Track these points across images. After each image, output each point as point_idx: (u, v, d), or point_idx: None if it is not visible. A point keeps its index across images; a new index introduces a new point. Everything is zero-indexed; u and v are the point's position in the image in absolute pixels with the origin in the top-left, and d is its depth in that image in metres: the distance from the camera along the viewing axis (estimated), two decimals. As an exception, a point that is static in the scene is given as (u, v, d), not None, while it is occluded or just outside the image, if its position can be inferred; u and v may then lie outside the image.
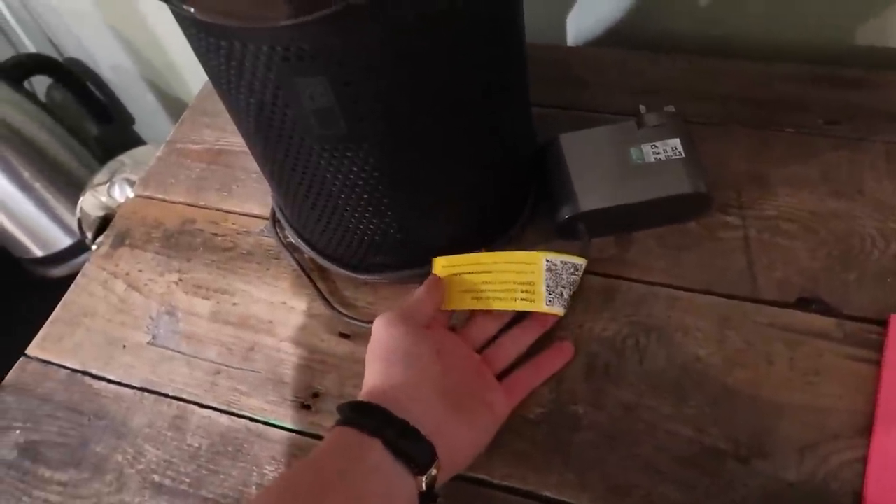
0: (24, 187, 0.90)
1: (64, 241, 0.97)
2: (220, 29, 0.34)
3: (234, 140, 0.64)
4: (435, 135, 0.41)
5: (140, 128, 1.14)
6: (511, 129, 0.48)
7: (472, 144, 0.44)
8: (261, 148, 0.45)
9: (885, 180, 0.52)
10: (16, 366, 0.54)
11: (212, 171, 0.63)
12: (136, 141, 1.15)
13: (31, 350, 0.55)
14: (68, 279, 0.59)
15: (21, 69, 0.92)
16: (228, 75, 0.38)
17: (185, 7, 0.33)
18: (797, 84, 0.59)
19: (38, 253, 0.97)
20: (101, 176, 0.81)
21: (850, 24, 0.60)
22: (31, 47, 0.97)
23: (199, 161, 0.64)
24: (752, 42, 0.63)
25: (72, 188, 0.94)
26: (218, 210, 0.60)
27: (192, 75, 0.97)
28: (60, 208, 0.94)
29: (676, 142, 0.50)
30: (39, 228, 0.94)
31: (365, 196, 0.43)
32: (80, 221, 0.78)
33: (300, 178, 0.44)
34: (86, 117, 1.05)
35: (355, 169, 0.41)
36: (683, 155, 0.49)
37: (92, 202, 0.78)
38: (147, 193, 0.63)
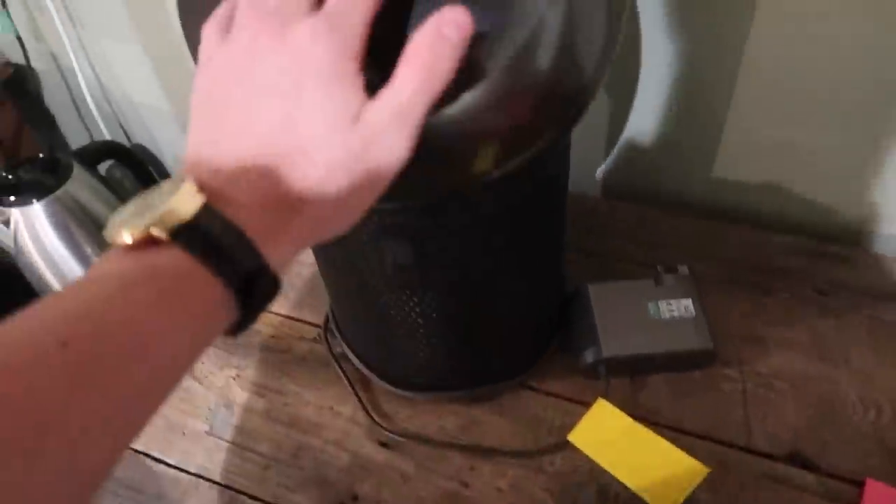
0: (83, 260, 0.97)
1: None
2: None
3: (295, 250, 0.72)
4: (490, 284, 0.49)
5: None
6: (550, 275, 0.56)
7: (518, 290, 0.52)
8: (333, 277, 0.53)
9: (868, 352, 0.59)
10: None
11: (272, 276, 0.71)
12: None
13: (98, 427, 0.61)
14: None
15: (96, 155, 1.01)
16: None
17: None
18: (793, 254, 0.67)
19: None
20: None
21: (841, 207, 0.68)
22: (105, 131, 1.07)
23: (262, 266, 0.72)
24: (756, 211, 0.72)
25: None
26: (276, 314, 0.67)
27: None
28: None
29: (689, 302, 0.58)
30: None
31: (420, 330, 0.51)
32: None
33: (364, 309, 0.52)
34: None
35: (417, 310, 0.49)
36: (694, 314, 0.57)
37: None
38: (212, 291, 0.70)
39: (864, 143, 0.62)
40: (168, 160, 1.13)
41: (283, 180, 0.28)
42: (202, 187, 0.28)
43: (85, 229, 0.96)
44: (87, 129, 1.14)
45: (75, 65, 0.99)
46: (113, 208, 0.99)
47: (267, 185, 0.28)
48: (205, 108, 0.31)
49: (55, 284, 0.98)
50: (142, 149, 1.11)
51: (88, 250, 0.97)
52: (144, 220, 0.26)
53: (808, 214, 0.70)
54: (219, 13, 0.34)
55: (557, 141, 0.44)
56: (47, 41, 1.02)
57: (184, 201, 0.27)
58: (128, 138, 1.12)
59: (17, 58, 1.06)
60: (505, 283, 0.49)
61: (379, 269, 0.46)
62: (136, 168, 1.09)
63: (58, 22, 0.94)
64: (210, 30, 0.33)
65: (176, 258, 0.26)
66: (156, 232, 0.26)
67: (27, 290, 1.02)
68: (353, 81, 0.29)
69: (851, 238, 0.70)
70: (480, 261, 0.46)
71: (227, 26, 0.32)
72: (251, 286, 0.28)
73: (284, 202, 0.29)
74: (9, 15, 0.97)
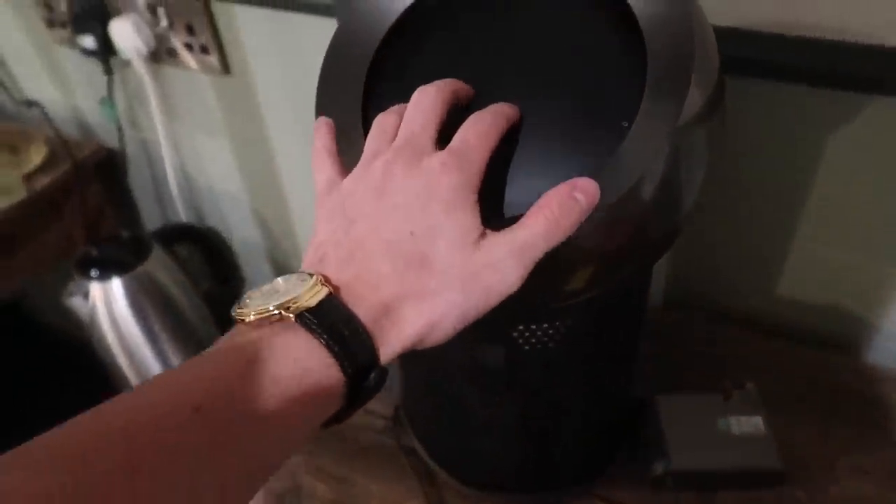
0: (150, 335, 1.01)
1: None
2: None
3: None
4: (571, 389, 0.50)
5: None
6: (623, 383, 0.57)
7: (595, 396, 0.53)
8: (414, 372, 0.55)
9: (941, 484, 0.59)
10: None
11: (342, 365, 0.73)
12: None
13: (168, 505, 0.62)
14: None
15: (173, 235, 1.07)
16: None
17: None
18: (862, 379, 0.67)
19: (140, 394, 1.06)
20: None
21: (907, 333, 0.69)
22: (182, 213, 1.14)
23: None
24: (821, 331, 0.73)
25: (188, 344, 1.05)
26: (345, 403, 0.69)
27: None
28: (173, 359, 1.05)
29: (759, 420, 0.58)
30: (149, 373, 1.04)
31: (497, 431, 0.52)
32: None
33: (442, 406, 0.54)
34: (204, 274, 1.19)
35: (499, 410, 0.50)
36: (764, 432, 0.58)
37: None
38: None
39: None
40: (236, 242, 1.18)
41: (402, 285, 0.31)
42: (326, 282, 0.31)
43: (157, 308, 1.00)
44: (163, 211, 1.21)
45: (164, 152, 1.07)
46: (184, 287, 1.04)
47: (386, 287, 0.31)
48: (334, 214, 0.35)
49: (123, 360, 1.02)
50: (212, 231, 1.17)
51: (157, 327, 1.01)
52: (273, 302, 0.30)
53: (876, 340, 0.71)
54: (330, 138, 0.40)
55: (644, 270, 0.47)
56: (141, 129, 1.11)
57: (310, 291, 0.30)
58: (200, 221, 1.18)
59: (111, 142, 1.15)
60: (584, 389, 0.51)
61: (468, 370, 0.48)
62: (207, 249, 1.15)
63: (155, 114, 1.02)
64: (328, 156, 0.39)
65: (300, 339, 0.29)
66: (283, 314, 0.29)
67: (94, 364, 1.06)
68: (474, 211, 0.33)
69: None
70: (565, 367, 0.48)
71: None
72: (361, 378, 0.30)
73: (399, 304, 0.31)
74: (113, 105, 1.05)
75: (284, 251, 1.14)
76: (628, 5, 0.38)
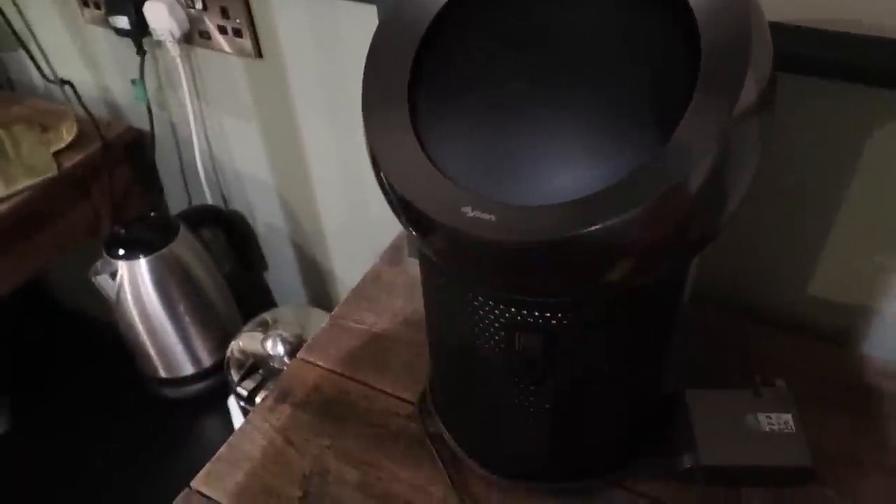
0: (173, 315, 1.02)
1: (188, 369, 1.08)
2: (480, 288, 0.46)
3: (391, 328, 0.75)
4: (605, 380, 0.50)
5: (270, 275, 1.28)
6: (656, 375, 0.57)
7: (627, 388, 0.53)
8: (446, 360, 0.55)
9: (972, 488, 0.58)
10: (181, 496, 0.62)
11: (369, 350, 0.73)
12: (263, 287, 1.28)
13: (196, 483, 0.63)
14: (183, 401, 0.68)
15: (198, 217, 1.08)
16: (453, 309, 0.49)
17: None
18: (891, 378, 0.67)
19: (163, 374, 1.08)
20: (251, 326, 0.93)
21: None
22: (208, 196, 1.14)
23: (359, 339, 0.75)
24: (850, 331, 0.73)
25: (210, 324, 1.06)
26: (372, 388, 0.69)
27: (335, 245, 1.11)
28: (196, 339, 1.06)
29: (789, 417, 0.58)
30: (172, 353, 1.05)
31: (529, 420, 0.52)
32: (228, 360, 0.89)
33: (473, 394, 0.54)
34: (228, 257, 1.20)
35: (531, 399, 0.50)
36: (794, 430, 0.57)
37: (240, 347, 0.90)
38: (311, 359, 0.73)
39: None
40: (260, 226, 1.19)
41: None
42: None
43: (182, 288, 1.01)
44: (188, 193, 1.22)
45: (193, 134, 1.07)
46: (208, 269, 1.05)
47: None
48: None
49: (146, 338, 1.03)
50: (237, 214, 1.18)
51: (181, 307, 1.02)
52: None
53: (903, 341, 0.70)
54: None
55: (684, 264, 0.47)
56: (170, 111, 1.11)
57: None
58: (225, 204, 1.19)
59: (140, 122, 1.15)
60: (617, 381, 0.51)
61: (503, 357, 0.48)
62: (231, 232, 1.16)
63: (186, 95, 1.03)
64: None
65: None
66: None
67: (117, 342, 1.08)
68: None
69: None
70: (601, 358, 0.48)
71: None
72: None
73: None
74: (144, 85, 1.06)
75: (307, 237, 1.14)
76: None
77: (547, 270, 0.40)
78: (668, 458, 0.59)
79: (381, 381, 0.70)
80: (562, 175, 0.39)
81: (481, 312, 0.47)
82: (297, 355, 0.74)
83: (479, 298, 0.46)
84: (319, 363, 0.73)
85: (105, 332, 1.08)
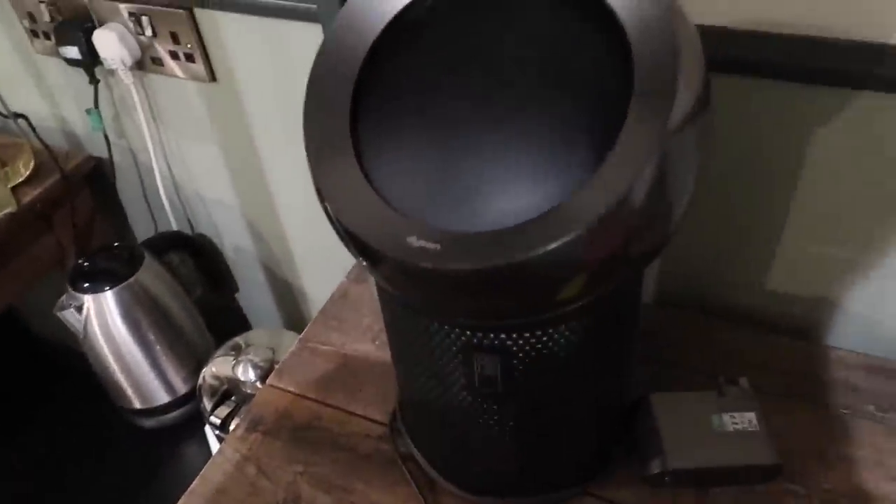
0: (144, 345, 1.01)
1: (162, 398, 1.07)
2: (434, 314, 0.46)
3: (361, 347, 0.75)
4: (567, 395, 0.51)
5: (242, 297, 1.27)
6: (621, 384, 0.58)
7: (590, 400, 0.54)
8: (412, 382, 0.55)
9: (933, 472, 0.59)
10: (154, 532, 0.61)
11: (338, 372, 0.73)
12: (236, 309, 1.27)
13: (168, 518, 0.62)
14: (159, 431, 0.67)
15: (164, 244, 1.07)
16: (412, 334, 0.49)
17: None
18: (852, 369, 0.68)
19: (137, 405, 1.06)
20: (222, 351, 0.92)
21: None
22: (172, 221, 1.13)
23: (328, 362, 0.75)
24: (813, 324, 0.74)
25: (182, 351, 1.05)
26: (343, 411, 0.69)
27: (304, 264, 1.11)
28: (168, 367, 1.05)
29: (752, 416, 0.59)
30: (145, 383, 1.04)
31: (494, 437, 0.53)
32: (199, 388, 0.88)
33: (440, 414, 0.54)
34: (197, 281, 1.19)
35: (495, 417, 0.51)
36: (758, 428, 0.58)
37: (212, 373, 0.89)
38: (280, 385, 0.73)
39: (918, 264, 0.64)
40: (228, 248, 1.18)
41: None
42: None
43: (151, 317, 1.00)
44: (153, 219, 1.20)
45: (153, 160, 1.06)
46: (177, 296, 1.04)
47: None
48: None
49: (117, 369, 1.02)
50: (204, 238, 1.17)
51: (151, 336, 1.01)
52: None
53: (866, 332, 0.71)
54: None
55: (634, 277, 0.48)
56: (129, 138, 1.10)
57: None
58: (191, 228, 1.18)
59: (99, 152, 1.14)
60: (580, 393, 0.51)
61: (464, 379, 0.48)
62: (199, 256, 1.15)
63: (143, 122, 1.02)
64: None
65: None
66: None
67: (90, 373, 1.06)
68: None
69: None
70: (561, 373, 0.48)
71: None
72: None
73: None
74: (99, 114, 1.05)
75: (277, 258, 1.13)
76: (612, 11, 0.38)
77: (497, 295, 0.40)
78: (637, 464, 0.60)
79: (352, 403, 0.70)
80: (506, 199, 0.39)
81: (437, 337, 0.47)
82: (267, 381, 0.74)
83: (434, 324, 0.46)
84: (289, 388, 0.72)
85: (79, 362, 1.06)
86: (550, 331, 0.45)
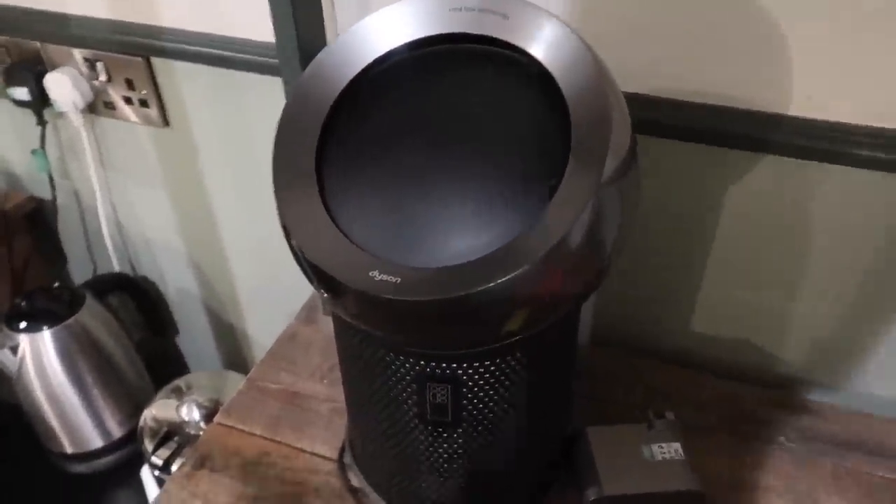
0: (80, 387, 0.99)
1: (96, 442, 1.04)
2: (391, 344, 0.49)
3: (309, 386, 0.77)
4: (512, 424, 0.55)
5: (182, 340, 1.26)
6: (560, 416, 0.62)
7: (536, 430, 0.57)
8: (368, 413, 0.58)
9: (834, 496, 0.66)
10: (97, 571, 0.61)
11: (287, 410, 0.75)
12: (175, 353, 1.26)
13: (112, 558, 0.62)
14: (92, 476, 0.67)
15: (106, 286, 1.06)
16: (367, 364, 0.52)
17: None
18: (766, 405, 0.75)
19: (69, 449, 1.03)
20: (164, 393, 0.92)
21: (809, 366, 0.78)
22: (114, 263, 1.13)
23: (277, 400, 0.76)
24: (733, 362, 0.81)
25: (120, 394, 1.04)
26: (292, 447, 0.71)
27: (249, 308, 1.12)
28: (105, 411, 1.02)
29: (678, 446, 0.64)
30: (80, 426, 1.02)
31: (444, 465, 0.56)
32: (140, 430, 0.87)
33: (391, 445, 0.57)
34: (137, 324, 1.18)
35: (444, 445, 0.54)
36: (683, 457, 0.63)
37: (153, 416, 0.88)
38: (229, 423, 0.74)
39: (831, 313, 0.72)
40: (171, 292, 1.18)
41: None
42: None
43: (89, 359, 0.99)
44: (93, 261, 1.19)
45: (98, 203, 1.06)
46: (117, 338, 1.03)
47: None
48: None
49: (51, 413, 0.99)
50: (147, 280, 1.17)
51: (89, 379, 0.99)
52: None
53: (778, 369, 0.79)
54: None
55: (572, 311, 0.53)
56: (74, 180, 1.10)
57: None
58: (133, 270, 1.17)
59: (40, 192, 1.13)
60: (525, 423, 0.55)
61: (417, 407, 0.51)
62: (140, 299, 1.14)
63: (90, 164, 1.02)
64: None
65: None
66: None
67: (18, 420, 1.03)
68: None
69: (819, 392, 0.78)
70: (507, 403, 0.52)
71: None
72: None
73: None
74: (45, 155, 1.05)
75: (221, 301, 1.14)
76: (553, 79, 0.44)
77: (450, 324, 0.44)
78: (575, 492, 0.64)
79: (301, 439, 0.72)
80: (459, 239, 0.44)
81: (393, 367, 0.50)
82: (215, 419, 0.74)
83: (391, 354, 0.49)
84: (237, 426, 0.73)
85: (5, 406, 1.03)
86: (498, 360, 0.49)
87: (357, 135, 0.48)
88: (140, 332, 1.17)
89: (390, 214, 0.45)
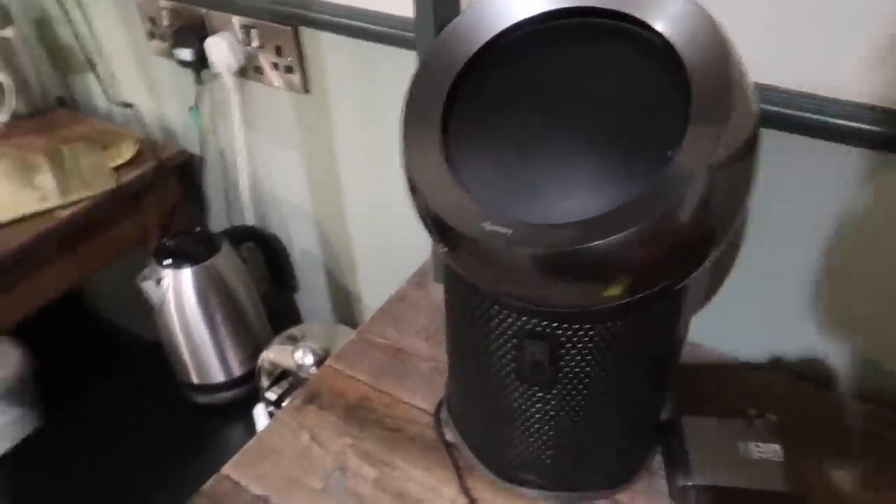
0: (211, 324, 1.09)
1: (218, 377, 1.14)
2: (496, 297, 0.51)
3: (414, 344, 0.81)
4: (609, 393, 0.55)
5: (300, 295, 1.35)
6: (656, 395, 0.62)
7: (626, 407, 0.58)
8: (468, 367, 0.61)
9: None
10: (212, 479, 0.67)
11: (391, 363, 0.79)
12: (292, 306, 1.35)
13: (226, 469, 0.68)
14: (211, 407, 0.73)
15: (240, 237, 1.16)
16: (472, 318, 0.55)
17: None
18: (880, 422, 0.70)
19: (195, 380, 1.14)
20: (280, 339, 1.00)
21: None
22: (248, 218, 1.22)
23: (382, 353, 0.81)
24: (848, 380, 0.76)
25: (243, 336, 1.13)
26: (392, 396, 0.75)
27: (363, 270, 1.18)
28: (228, 349, 1.12)
29: (778, 448, 0.62)
30: (205, 360, 1.12)
31: (536, 426, 0.57)
32: (259, 369, 0.95)
33: (487, 402, 0.59)
34: (264, 276, 1.27)
35: (539, 405, 0.56)
36: (782, 459, 0.61)
37: (271, 358, 0.96)
38: (338, 367, 0.79)
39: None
40: (295, 250, 1.26)
41: None
42: None
43: (221, 300, 1.08)
44: (229, 213, 1.30)
45: (239, 160, 1.16)
46: (246, 285, 1.12)
47: None
48: None
49: (182, 342, 1.10)
50: (275, 237, 1.26)
51: (218, 318, 1.09)
52: None
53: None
54: None
55: (678, 283, 0.52)
56: (220, 137, 1.20)
57: None
58: (263, 226, 1.27)
59: (191, 146, 1.25)
60: (619, 395, 0.56)
61: (514, 365, 0.53)
62: (268, 253, 1.23)
63: (236, 124, 1.12)
64: None
65: None
66: None
67: (154, 351, 1.14)
68: None
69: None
70: (604, 370, 0.53)
71: None
72: None
73: None
74: (199, 113, 1.15)
75: (338, 260, 1.21)
76: (677, 52, 0.44)
77: (556, 280, 0.46)
78: (663, 480, 0.63)
79: (401, 391, 0.76)
80: (572, 199, 0.45)
81: (496, 321, 0.52)
82: (326, 363, 0.80)
83: (494, 307, 0.52)
84: (346, 371, 0.78)
85: (138, 340, 1.15)
86: (599, 325, 0.50)
87: (483, 95, 0.51)
88: (265, 285, 1.26)
89: (508, 171, 0.47)
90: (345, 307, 1.28)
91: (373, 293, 1.21)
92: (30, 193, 1.07)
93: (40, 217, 1.04)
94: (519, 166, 0.47)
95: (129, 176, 1.14)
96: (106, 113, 1.35)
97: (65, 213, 1.05)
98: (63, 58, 1.35)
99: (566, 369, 0.53)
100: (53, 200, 1.06)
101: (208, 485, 0.67)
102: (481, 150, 0.49)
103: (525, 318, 0.50)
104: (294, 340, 1.04)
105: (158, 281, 1.04)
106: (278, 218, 1.24)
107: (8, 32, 1.27)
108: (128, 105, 1.20)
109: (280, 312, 1.30)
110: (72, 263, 1.12)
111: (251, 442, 0.71)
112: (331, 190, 1.11)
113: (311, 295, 1.32)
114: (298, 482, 0.67)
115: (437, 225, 0.48)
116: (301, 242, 1.25)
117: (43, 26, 1.33)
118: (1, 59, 1.27)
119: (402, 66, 0.88)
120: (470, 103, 0.51)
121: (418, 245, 0.99)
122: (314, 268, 1.26)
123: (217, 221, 1.36)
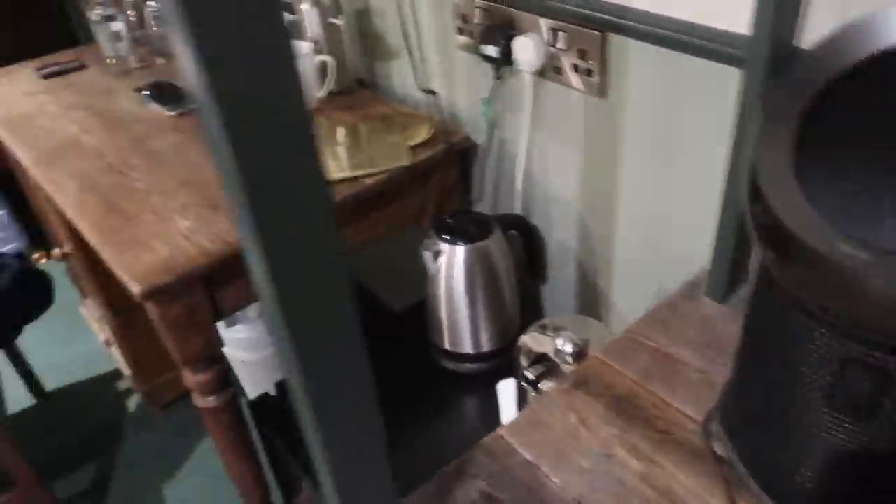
0: (472, 299, 1.19)
1: (467, 348, 1.24)
2: (829, 320, 0.51)
3: (682, 353, 0.82)
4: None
5: (546, 288, 1.41)
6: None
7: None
8: (761, 387, 0.61)
9: None
10: (489, 436, 0.75)
11: (658, 366, 0.81)
12: (537, 297, 1.42)
13: (500, 430, 0.75)
14: (459, 376, 0.79)
15: (508, 223, 1.24)
16: (785, 337, 0.55)
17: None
18: None
19: (447, 346, 1.25)
20: (534, 327, 1.07)
21: None
22: (516, 207, 1.30)
23: (649, 355, 0.83)
24: None
25: (497, 317, 1.21)
26: (661, 398, 0.77)
27: (620, 275, 1.20)
28: (482, 326, 1.21)
29: None
30: (460, 330, 1.22)
31: (836, 456, 0.56)
32: (518, 349, 1.03)
33: (784, 423, 0.59)
34: (523, 263, 1.35)
35: (843, 437, 0.54)
36: None
37: (528, 341, 1.03)
38: (607, 361, 0.83)
39: None
40: (553, 242, 1.32)
41: None
42: None
43: (484, 279, 1.17)
44: (494, 201, 1.39)
45: (520, 152, 1.24)
46: (508, 271, 1.20)
47: None
48: None
49: (444, 311, 1.21)
50: (537, 228, 1.33)
51: (480, 295, 1.18)
52: None
53: None
54: None
55: None
56: (504, 129, 1.29)
57: None
58: (528, 216, 1.34)
59: (475, 134, 1.36)
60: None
61: (829, 389, 0.53)
62: (530, 243, 1.30)
63: (524, 119, 1.20)
64: None
65: None
66: None
67: (420, 315, 1.27)
68: None
69: None
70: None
71: None
72: None
73: None
74: (490, 105, 1.25)
75: (594, 260, 1.25)
76: None
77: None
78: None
79: (669, 395, 0.77)
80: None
81: (817, 343, 0.52)
82: (593, 355, 0.84)
83: (821, 329, 0.51)
84: (615, 366, 0.82)
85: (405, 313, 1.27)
86: (941, 368, 0.48)
87: (837, 120, 0.50)
88: (520, 272, 1.33)
89: (863, 200, 0.47)
90: (592, 305, 1.31)
91: (626, 296, 1.22)
92: (331, 163, 1.24)
93: (346, 182, 1.21)
94: (875, 195, 0.47)
95: (423, 155, 1.27)
96: (402, 96, 1.52)
97: (369, 182, 1.21)
98: (371, 45, 1.53)
99: (889, 406, 0.51)
100: (345, 172, 1.21)
101: (487, 440, 0.74)
102: (832, 176, 0.49)
103: (855, 345, 0.50)
104: (544, 329, 1.09)
105: (436, 254, 1.16)
106: (543, 211, 1.30)
107: (339, 20, 1.47)
108: (432, 92, 1.33)
109: (526, 300, 1.37)
110: (362, 229, 1.28)
111: (524, 411, 0.77)
112: (604, 192, 1.14)
113: (559, 288, 1.37)
114: (567, 457, 0.71)
115: (780, 233, 0.49)
116: (560, 236, 1.30)
117: (361, 17, 1.52)
118: (329, 43, 1.49)
119: (714, 81, 0.88)
120: (824, 126, 0.51)
121: (688, 257, 0.99)
122: (567, 263, 1.31)
123: (480, 207, 1.46)
